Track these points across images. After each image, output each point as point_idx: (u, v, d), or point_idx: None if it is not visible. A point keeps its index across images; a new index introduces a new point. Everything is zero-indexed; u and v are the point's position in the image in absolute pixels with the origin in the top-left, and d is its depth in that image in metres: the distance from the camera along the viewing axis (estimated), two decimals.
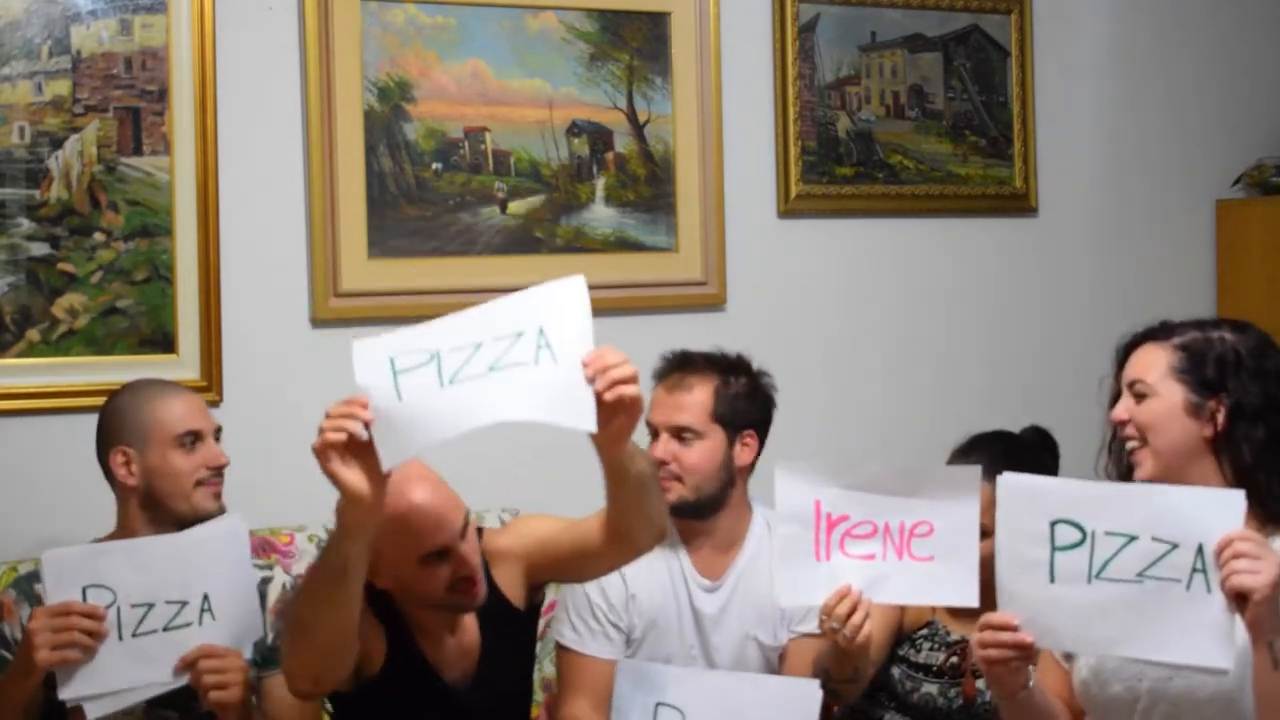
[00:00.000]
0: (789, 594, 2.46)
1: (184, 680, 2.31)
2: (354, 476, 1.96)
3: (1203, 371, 2.25)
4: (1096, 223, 4.09)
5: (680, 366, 2.77)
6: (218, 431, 2.55)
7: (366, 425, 1.95)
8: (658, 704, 2.43)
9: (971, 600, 2.38)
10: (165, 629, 2.29)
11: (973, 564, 2.36)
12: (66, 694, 2.25)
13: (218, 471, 2.51)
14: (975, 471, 2.39)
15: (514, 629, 2.45)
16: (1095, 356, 4.00)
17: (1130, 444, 2.28)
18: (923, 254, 3.88)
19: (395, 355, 2.01)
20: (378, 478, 1.98)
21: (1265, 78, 4.26)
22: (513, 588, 2.44)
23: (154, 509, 2.47)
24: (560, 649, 2.77)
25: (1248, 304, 4.12)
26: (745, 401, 2.75)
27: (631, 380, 2.01)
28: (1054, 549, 2.10)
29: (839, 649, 2.41)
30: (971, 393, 3.84)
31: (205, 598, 2.32)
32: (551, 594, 3.05)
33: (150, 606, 2.28)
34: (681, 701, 2.43)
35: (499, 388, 1.98)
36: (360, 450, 1.96)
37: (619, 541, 2.31)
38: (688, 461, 2.69)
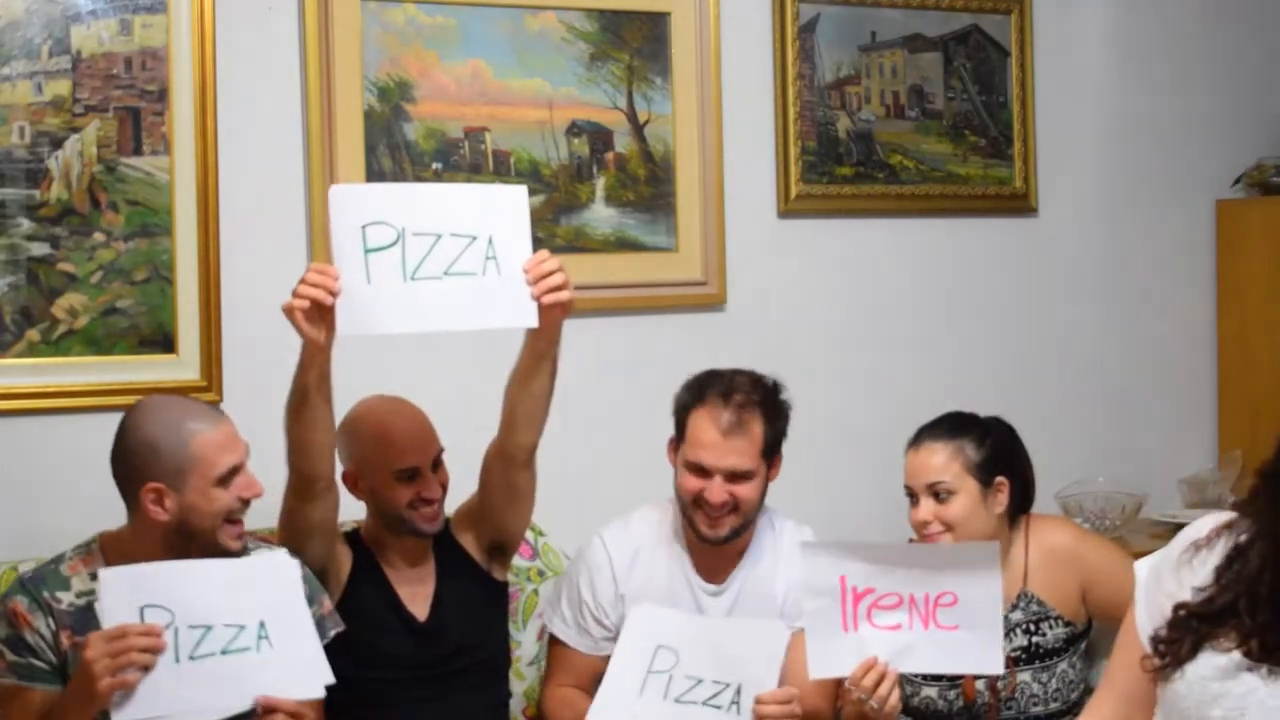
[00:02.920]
0: (819, 666, 2.52)
1: (243, 707, 2.25)
2: (314, 332, 2.38)
3: None
4: (1096, 223, 4.09)
5: (725, 399, 2.69)
6: (247, 450, 2.45)
7: (332, 293, 2.34)
8: (658, 646, 2.57)
9: (997, 668, 2.51)
10: (224, 652, 2.23)
11: (997, 633, 2.45)
12: (120, 718, 2.18)
13: (247, 504, 2.42)
14: (993, 547, 2.50)
15: (471, 580, 2.77)
16: (1095, 356, 4.06)
17: None
18: (923, 254, 3.88)
19: (366, 223, 2.36)
20: (332, 331, 2.38)
21: (1265, 78, 4.26)
22: (472, 547, 2.79)
23: (182, 544, 2.37)
24: (550, 635, 2.84)
25: (1248, 304, 4.12)
26: (779, 426, 2.75)
27: (565, 285, 2.44)
28: None
29: (867, 717, 2.50)
30: (971, 392, 3.82)
31: (262, 624, 2.27)
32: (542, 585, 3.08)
33: (208, 629, 2.22)
34: (677, 644, 2.56)
35: (452, 295, 2.39)
36: (323, 310, 2.36)
37: (503, 440, 2.64)
38: (744, 496, 2.69)
